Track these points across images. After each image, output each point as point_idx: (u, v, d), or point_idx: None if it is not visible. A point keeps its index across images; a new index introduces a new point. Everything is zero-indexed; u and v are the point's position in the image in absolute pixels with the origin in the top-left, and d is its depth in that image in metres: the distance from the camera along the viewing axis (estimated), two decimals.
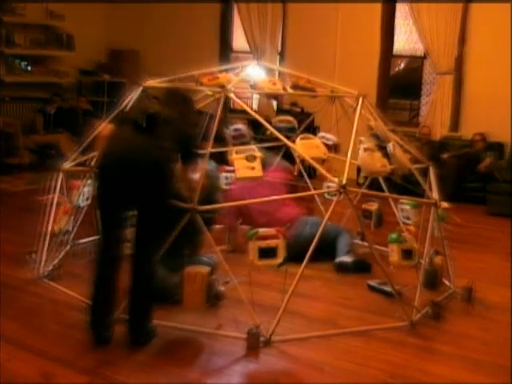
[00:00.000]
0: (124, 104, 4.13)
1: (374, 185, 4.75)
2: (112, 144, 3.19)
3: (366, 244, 4.23)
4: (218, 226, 4.48)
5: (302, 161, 4.00)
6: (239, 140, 5.17)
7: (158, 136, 3.15)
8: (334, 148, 4.75)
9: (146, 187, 3.11)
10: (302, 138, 3.95)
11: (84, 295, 3.59)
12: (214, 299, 3.56)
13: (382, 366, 3.16)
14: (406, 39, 8.32)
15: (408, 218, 4.50)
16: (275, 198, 4.39)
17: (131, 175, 3.07)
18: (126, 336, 3.23)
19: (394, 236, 3.92)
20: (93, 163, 4.04)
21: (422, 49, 7.97)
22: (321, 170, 3.73)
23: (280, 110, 8.62)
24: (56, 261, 4.23)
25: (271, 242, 3.39)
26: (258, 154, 3.75)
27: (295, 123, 5.26)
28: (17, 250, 4.51)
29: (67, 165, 4.39)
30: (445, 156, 7.29)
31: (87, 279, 3.26)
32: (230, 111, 8.52)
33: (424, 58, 8.10)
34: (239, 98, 4.08)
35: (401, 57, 8.60)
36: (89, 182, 4.12)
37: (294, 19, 8.62)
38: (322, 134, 5.06)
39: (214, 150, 4.03)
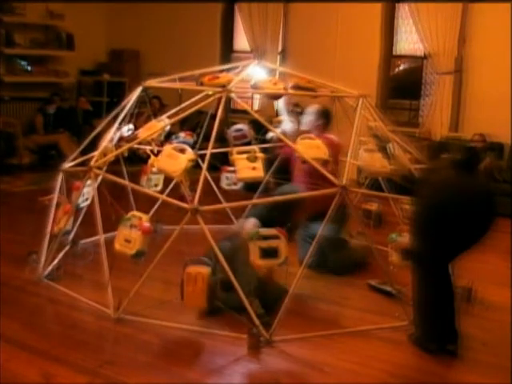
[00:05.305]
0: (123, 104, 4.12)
1: (374, 185, 4.75)
2: (453, 192, 3.37)
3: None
4: None
5: (303, 161, 3.99)
6: (241, 140, 5.17)
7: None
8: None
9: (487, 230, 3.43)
10: (302, 139, 3.95)
11: (84, 295, 3.59)
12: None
13: (382, 366, 3.16)
14: (406, 39, 8.31)
15: (408, 218, 4.49)
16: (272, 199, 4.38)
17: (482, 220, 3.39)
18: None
19: (394, 236, 3.92)
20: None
21: (423, 49, 7.96)
22: (320, 170, 3.72)
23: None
24: (56, 261, 4.22)
25: (272, 242, 3.39)
26: (260, 154, 3.75)
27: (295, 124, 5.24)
28: (17, 250, 4.52)
29: (67, 165, 4.40)
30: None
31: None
32: (231, 111, 8.51)
33: (424, 58, 8.09)
34: (240, 98, 4.07)
35: (401, 57, 8.58)
36: (89, 182, 4.11)
37: (295, 19, 8.60)
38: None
39: (215, 151, 4.03)
